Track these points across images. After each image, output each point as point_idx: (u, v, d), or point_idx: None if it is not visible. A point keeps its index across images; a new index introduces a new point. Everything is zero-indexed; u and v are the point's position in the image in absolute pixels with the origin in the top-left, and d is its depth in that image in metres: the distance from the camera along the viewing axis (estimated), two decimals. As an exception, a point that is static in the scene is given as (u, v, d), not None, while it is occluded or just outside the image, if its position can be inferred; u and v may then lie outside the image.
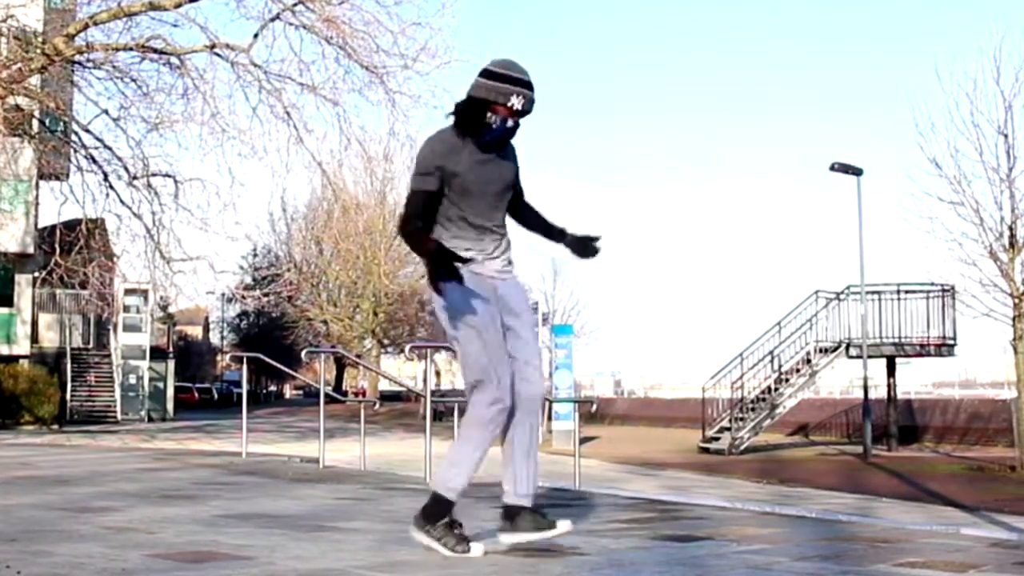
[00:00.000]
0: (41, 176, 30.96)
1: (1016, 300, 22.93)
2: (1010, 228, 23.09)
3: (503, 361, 5.04)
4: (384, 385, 66.85)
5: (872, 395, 29.17)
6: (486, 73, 5.04)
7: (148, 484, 10.08)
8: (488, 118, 5.01)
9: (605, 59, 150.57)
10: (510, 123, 5.03)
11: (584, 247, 5.48)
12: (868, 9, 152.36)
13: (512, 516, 5.19)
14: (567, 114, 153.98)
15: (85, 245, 25.49)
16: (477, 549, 5.06)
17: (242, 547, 5.46)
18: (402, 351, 52.30)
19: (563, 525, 5.19)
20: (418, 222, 5.09)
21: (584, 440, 21.28)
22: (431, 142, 5.10)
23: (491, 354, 5.03)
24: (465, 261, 4.97)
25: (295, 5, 23.41)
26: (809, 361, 29.49)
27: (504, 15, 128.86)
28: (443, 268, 4.85)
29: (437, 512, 5.10)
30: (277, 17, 23.66)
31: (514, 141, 5.27)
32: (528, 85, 5.00)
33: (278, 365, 18.25)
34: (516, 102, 4.98)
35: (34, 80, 24.98)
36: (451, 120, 5.15)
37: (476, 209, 5.12)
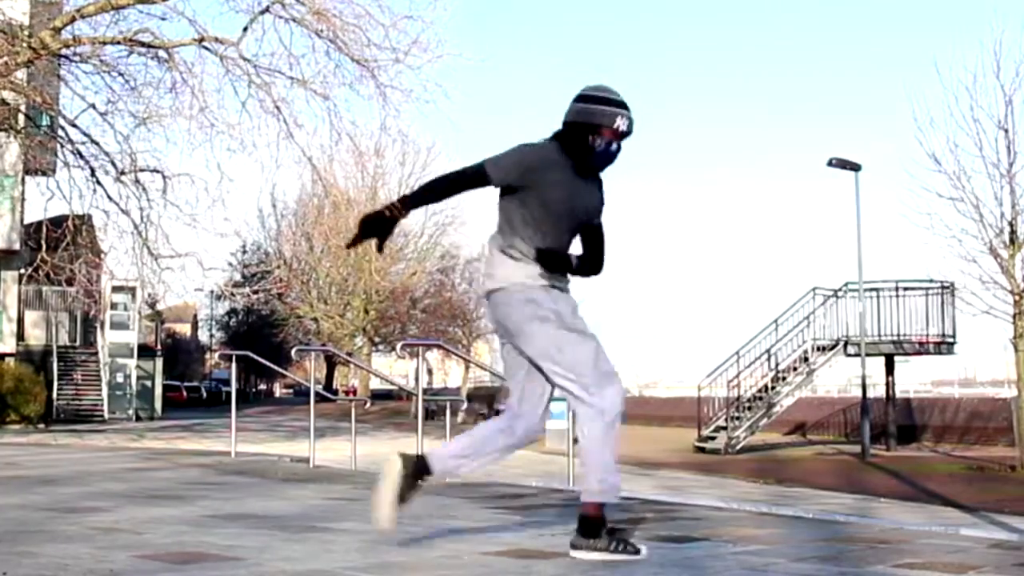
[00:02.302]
0: (27, 171, 30.85)
1: (1016, 297, 22.79)
2: (1010, 224, 22.94)
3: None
4: (375, 383, 66.82)
5: (870, 394, 29.18)
6: (586, 98, 5.06)
7: (136, 484, 10.07)
8: (591, 141, 5.02)
9: (601, 54, 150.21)
10: (615, 146, 5.05)
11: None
12: (866, 2, 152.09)
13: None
14: (562, 110, 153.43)
15: (72, 241, 25.29)
16: (644, 551, 4.95)
17: (231, 548, 5.42)
18: (393, 349, 52.07)
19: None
20: (441, 188, 5.05)
21: (578, 439, 21.00)
22: (530, 148, 5.07)
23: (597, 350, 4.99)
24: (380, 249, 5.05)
25: (285, -3, 23.21)
26: (806, 359, 29.42)
27: (500, 9, 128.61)
28: (379, 230, 4.89)
29: (597, 524, 4.96)
30: (267, 10, 23.50)
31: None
32: (629, 108, 5.06)
33: (268, 363, 18.20)
34: (622, 124, 5.02)
35: (20, 74, 24.76)
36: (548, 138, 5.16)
37: (556, 228, 5.07)
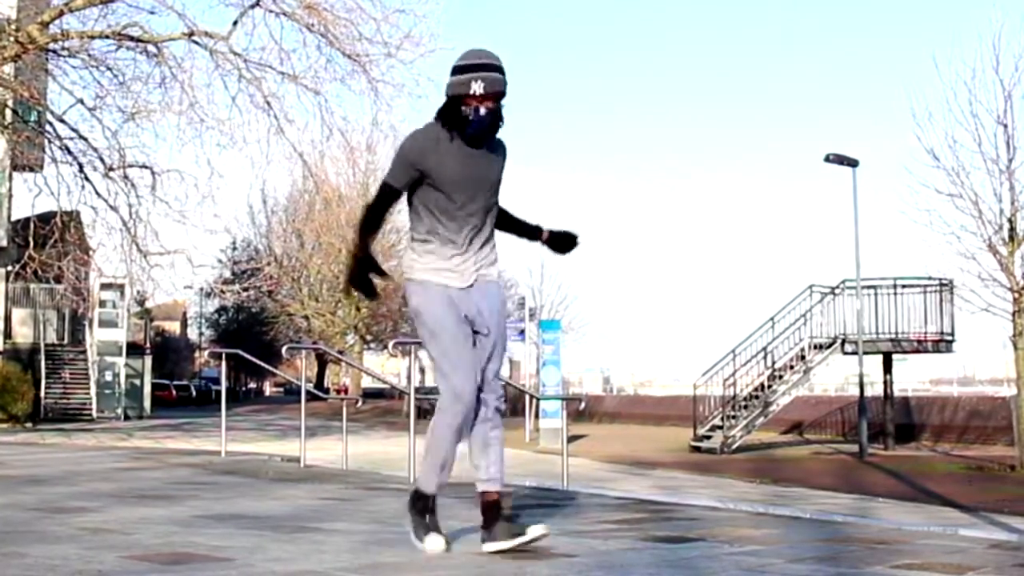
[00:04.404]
0: (15, 167, 30.58)
1: (1016, 295, 22.61)
2: (1009, 221, 22.76)
3: (464, 363, 5.17)
4: (367, 382, 66.61)
5: (868, 392, 29.22)
6: (452, 70, 5.17)
7: (124, 484, 10.15)
8: (464, 112, 5.10)
9: (598, 50, 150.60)
10: (483, 111, 5.09)
11: (562, 243, 5.69)
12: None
13: (489, 525, 5.27)
14: (559, 106, 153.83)
15: (60, 238, 25.10)
16: (434, 542, 5.19)
17: (220, 548, 5.45)
18: (385, 347, 51.80)
19: (535, 530, 5.24)
20: (375, 219, 5.40)
21: (572, 439, 20.97)
22: (414, 136, 5.27)
23: (452, 356, 5.20)
24: (383, 275, 5.47)
25: (275, -9, 23.08)
26: (803, 357, 29.32)
27: (497, 7, 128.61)
28: (358, 278, 5.35)
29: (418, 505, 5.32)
30: (257, 4, 23.44)
31: (504, 141, 5.39)
32: (487, 68, 5.09)
33: (258, 362, 18.18)
34: (476, 87, 5.05)
35: (7, 69, 24.61)
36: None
37: (459, 202, 5.22)
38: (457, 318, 5.22)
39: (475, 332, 5.29)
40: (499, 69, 5.10)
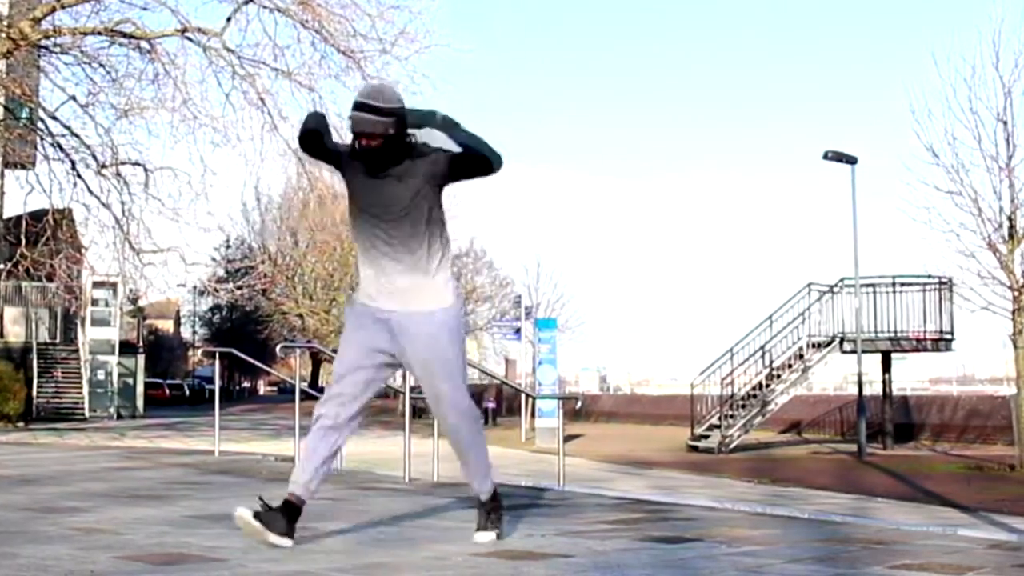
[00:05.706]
0: (6, 165, 30.54)
1: (1015, 293, 22.51)
2: (1009, 219, 22.66)
3: (344, 382, 5.51)
4: (361, 381, 66.43)
5: (867, 391, 29.22)
6: None
7: (117, 484, 10.09)
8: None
9: (596, 50, 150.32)
10: (357, 146, 5.25)
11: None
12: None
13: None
14: (558, 105, 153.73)
15: (52, 236, 25.04)
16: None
17: (214, 549, 5.42)
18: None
19: (481, 537, 5.62)
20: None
21: (569, 438, 20.90)
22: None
23: (337, 372, 5.51)
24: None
25: (269, -14, 23.00)
26: (801, 356, 29.33)
27: (495, 3, 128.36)
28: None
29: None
30: (251, 0, 23.09)
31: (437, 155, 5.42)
32: (359, 107, 5.20)
33: (252, 360, 18.14)
34: (349, 127, 5.28)
35: (-1, 65, 24.38)
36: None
37: (363, 229, 5.41)
38: (359, 345, 5.49)
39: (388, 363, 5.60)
40: (371, 109, 5.14)
